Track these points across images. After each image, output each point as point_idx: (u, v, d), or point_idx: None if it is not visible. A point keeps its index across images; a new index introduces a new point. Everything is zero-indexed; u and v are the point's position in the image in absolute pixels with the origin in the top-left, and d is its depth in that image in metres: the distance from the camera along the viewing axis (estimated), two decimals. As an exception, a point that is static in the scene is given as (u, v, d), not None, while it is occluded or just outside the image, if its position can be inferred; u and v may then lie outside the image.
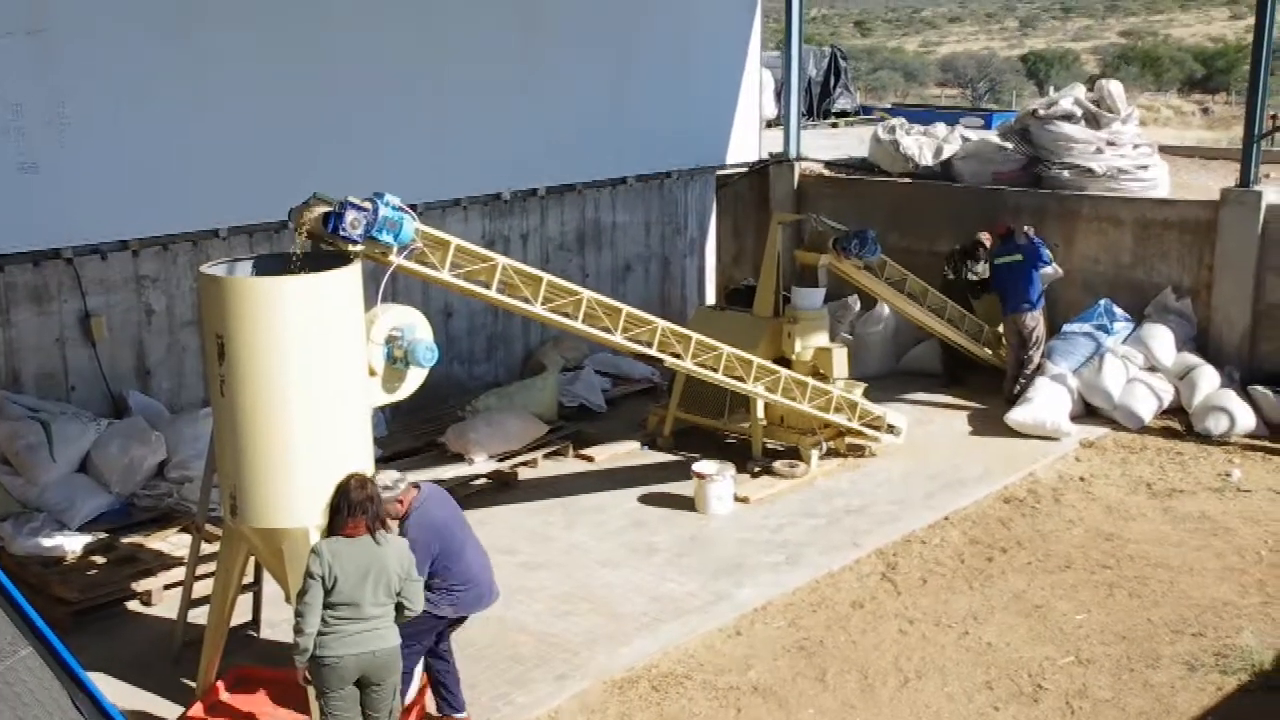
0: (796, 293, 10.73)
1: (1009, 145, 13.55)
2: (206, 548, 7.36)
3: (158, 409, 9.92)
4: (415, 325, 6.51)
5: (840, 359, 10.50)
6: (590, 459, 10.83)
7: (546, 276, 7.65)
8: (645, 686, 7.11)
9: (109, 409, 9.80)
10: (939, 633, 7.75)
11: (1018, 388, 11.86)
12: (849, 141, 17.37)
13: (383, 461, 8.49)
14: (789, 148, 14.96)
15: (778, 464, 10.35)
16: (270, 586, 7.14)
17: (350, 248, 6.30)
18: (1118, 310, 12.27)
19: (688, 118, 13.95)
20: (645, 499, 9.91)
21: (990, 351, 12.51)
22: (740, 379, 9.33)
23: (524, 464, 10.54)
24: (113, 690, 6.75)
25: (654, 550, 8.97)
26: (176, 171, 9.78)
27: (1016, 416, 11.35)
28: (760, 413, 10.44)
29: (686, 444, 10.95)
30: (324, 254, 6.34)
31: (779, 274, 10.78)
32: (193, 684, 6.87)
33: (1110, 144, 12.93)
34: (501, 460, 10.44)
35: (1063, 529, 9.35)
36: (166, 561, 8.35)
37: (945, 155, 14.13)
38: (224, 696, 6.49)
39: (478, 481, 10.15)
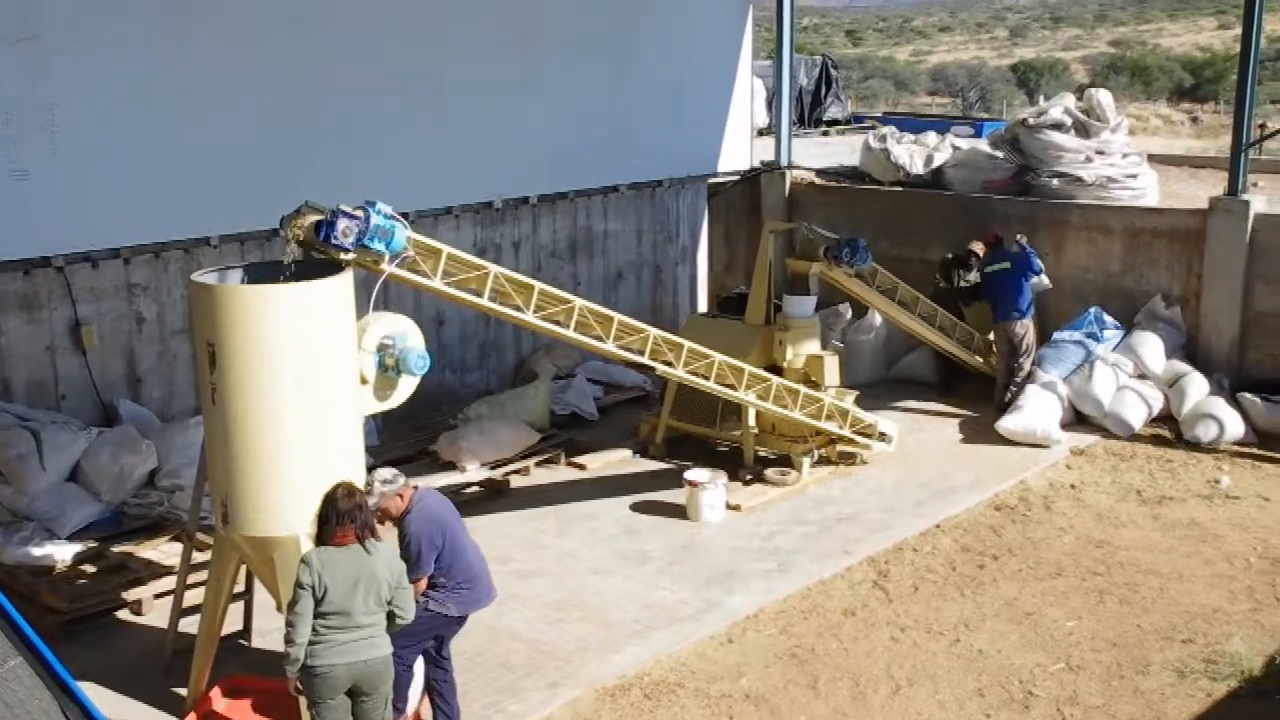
0: (788, 301, 10.76)
1: (999, 154, 13.59)
2: (197, 556, 7.37)
3: (148, 417, 9.90)
4: (407, 333, 6.52)
5: (831, 367, 10.51)
6: (582, 467, 10.84)
7: (538, 284, 7.65)
8: (637, 694, 7.11)
9: (99, 417, 9.78)
10: (930, 640, 7.76)
11: (1008, 395, 11.88)
12: (840, 150, 17.44)
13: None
14: (780, 156, 15.01)
15: (769, 472, 10.36)
16: (261, 595, 7.14)
17: (342, 256, 6.29)
18: (1107, 318, 12.30)
19: (680, 126, 13.99)
20: (637, 507, 9.91)
21: (981, 359, 12.55)
22: (732, 387, 9.34)
23: (516, 472, 10.54)
24: (103, 700, 6.72)
25: (646, 558, 8.97)
26: (167, 179, 9.78)
27: (1007, 424, 11.38)
28: (752, 420, 10.46)
29: (678, 452, 10.96)
30: (316, 262, 6.34)
31: (770, 282, 10.81)
32: (184, 693, 6.85)
33: (1100, 153, 12.99)
34: (493, 468, 10.43)
35: (1053, 536, 9.37)
36: (157, 570, 8.32)
37: (936, 164, 14.19)
38: (215, 706, 6.48)
39: (470, 489, 10.13)
